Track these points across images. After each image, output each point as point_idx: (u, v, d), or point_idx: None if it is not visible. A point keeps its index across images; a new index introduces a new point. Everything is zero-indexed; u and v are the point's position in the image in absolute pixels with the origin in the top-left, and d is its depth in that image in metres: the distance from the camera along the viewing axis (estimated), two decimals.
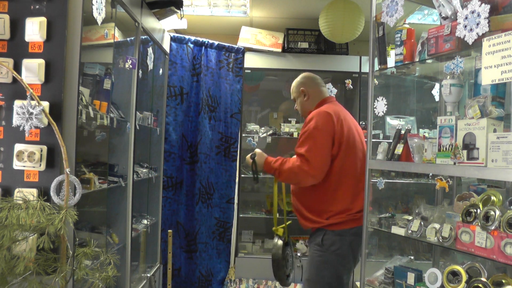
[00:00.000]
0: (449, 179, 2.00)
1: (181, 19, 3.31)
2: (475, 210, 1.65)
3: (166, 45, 3.56)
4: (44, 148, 1.86)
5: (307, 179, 2.23)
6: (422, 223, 1.86)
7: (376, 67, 2.08)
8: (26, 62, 1.85)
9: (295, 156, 2.30)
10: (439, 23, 1.78)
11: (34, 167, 1.84)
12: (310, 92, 2.47)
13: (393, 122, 3.88)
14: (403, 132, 2.01)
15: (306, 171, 2.19)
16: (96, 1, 1.99)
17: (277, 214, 2.71)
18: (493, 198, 1.71)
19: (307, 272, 2.35)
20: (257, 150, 2.47)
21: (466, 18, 1.56)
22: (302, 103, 2.50)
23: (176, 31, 4.04)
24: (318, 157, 2.20)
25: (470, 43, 1.56)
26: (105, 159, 2.56)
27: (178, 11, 3.20)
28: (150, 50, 3.07)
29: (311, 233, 2.42)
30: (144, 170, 3.16)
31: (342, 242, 2.24)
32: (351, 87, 3.94)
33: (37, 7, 1.88)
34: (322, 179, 2.25)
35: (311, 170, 2.19)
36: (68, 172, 1.79)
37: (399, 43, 1.97)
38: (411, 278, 1.88)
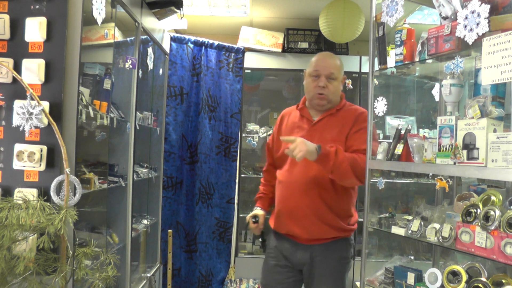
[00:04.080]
0: (449, 179, 2.00)
1: (181, 19, 3.31)
2: (475, 210, 1.65)
3: (166, 45, 3.56)
4: (44, 148, 1.86)
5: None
6: (422, 223, 1.85)
7: (376, 67, 2.07)
8: (26, 62, 1.85)
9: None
10: (439, 23, 1.78)
11: (34, 167, 1.84)
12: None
13: (393, 122, 3.88)
14: (403, 132, 2.01)
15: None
16: (96, 1, 1.99)
17: None
18: (493, 198, 1.71)
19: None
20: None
21: (466, 18, 1.56)
22: (338, 89, 2.27)
23: (176, 31, 4.04)
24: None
25: (470, 43, 1.56)
26: (105, 159, 2.56)
27: (178, 11, 3.21)
28: (150, 50, 3.07)
29: (321, 245, 2.10)
30: (144, 170, 3.16)
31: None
32: (351, 87, 3.94)
33: (37, 7, 1.88)
34: None
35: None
36: (68, 172, 1.79)
37: (399, 43, 1.97)
38: (411, 278, 1.88)
